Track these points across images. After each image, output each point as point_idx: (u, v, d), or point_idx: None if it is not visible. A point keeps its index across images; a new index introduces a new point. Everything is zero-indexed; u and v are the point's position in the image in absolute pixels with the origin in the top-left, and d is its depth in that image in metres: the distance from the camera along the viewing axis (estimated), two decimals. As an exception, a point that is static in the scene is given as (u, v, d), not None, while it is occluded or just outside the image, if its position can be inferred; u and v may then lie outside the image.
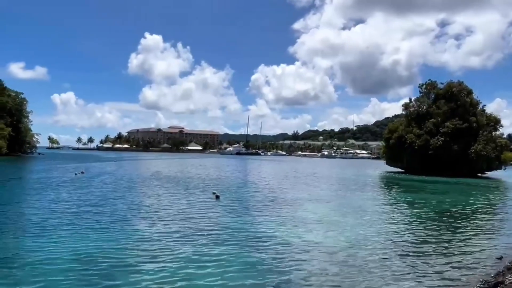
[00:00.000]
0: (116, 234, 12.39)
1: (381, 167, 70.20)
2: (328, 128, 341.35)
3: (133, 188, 26.84)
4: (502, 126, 60.40)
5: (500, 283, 7.75)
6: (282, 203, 21.38)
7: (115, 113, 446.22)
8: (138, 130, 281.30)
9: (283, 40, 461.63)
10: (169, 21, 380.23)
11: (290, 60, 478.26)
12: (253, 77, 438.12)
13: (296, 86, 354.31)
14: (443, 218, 18.06)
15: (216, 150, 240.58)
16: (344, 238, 12.99)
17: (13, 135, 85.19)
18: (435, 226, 15.88)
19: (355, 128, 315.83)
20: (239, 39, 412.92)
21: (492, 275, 9.24)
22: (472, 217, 18.81)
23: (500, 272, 9.36)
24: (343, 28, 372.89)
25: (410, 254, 11.27)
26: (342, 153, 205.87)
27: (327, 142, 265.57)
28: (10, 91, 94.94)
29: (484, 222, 17.95)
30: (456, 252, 11.63)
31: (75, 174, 38.52)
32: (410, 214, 19.38)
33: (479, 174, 56.13)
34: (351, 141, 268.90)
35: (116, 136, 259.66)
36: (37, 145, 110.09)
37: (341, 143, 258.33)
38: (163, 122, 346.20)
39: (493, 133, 58.25)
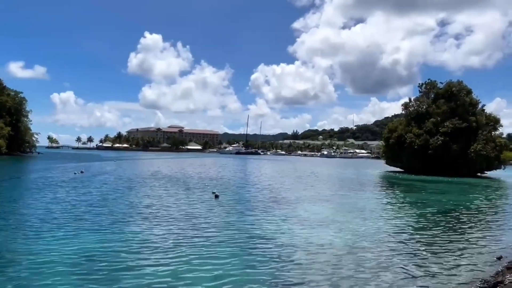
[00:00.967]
0: (115, 235, 12.38)
1: (381, 167, 70.21)
2: (327, 127, 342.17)
3: (133, 188, 26.82)
4: (501, 126, 60.41)
5: (500, 283, 7.75)
6: (282, 202, 21.37)
7: (115, 112, 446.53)
8: (137, 129, 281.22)
9: (283, 40, 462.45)
10: (169, 21, 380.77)
11: (290, 59, 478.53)
12: (252, 77, 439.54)
13: (296, 86, 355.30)
14: (443, 218, 18.07)
15: (215, 150, 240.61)
16: (344, 238, 12.99)
17: (12, 135, 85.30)
18: (435, 226, 15.89)
19: (354, 127, 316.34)
20: (239, 39, 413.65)
21: (491, 275, 9.25)
22: (472, 217, 18.81)
23: (500, 272, 9.36)
24: (343, 28, 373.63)
25: (410, 253, 11.28)
26: (341, 153, 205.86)
27: (326, 142, 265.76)
28: (9, 90, 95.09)
29: (484, 222, 17.96)
30: (456, 252, 11.63)
31: (75, 173, 38.50)
32: (409, 214, 19.38)
33: (479, 174, 56.15)
34: (351, 140, 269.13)
35: (116, 136, 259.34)
36: (37, 144, 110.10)
37: (341, 142, 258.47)
38: (162, 121, 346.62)
39: (493, 132, 58.25)
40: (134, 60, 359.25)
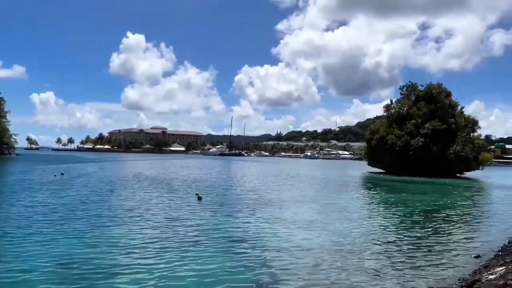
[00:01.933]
0: (95, 239, 12.16)
1: (363, 168, 71.00)
2: (311, 129, 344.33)
3: (114, 190, 26.45)
4: (479, 128, 62.10)
5: (477, 281, 7.93)
6: (266, 204, 21.41)
7: (96, 113, 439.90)
8: (119, 130, 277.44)
9: (267, 41, 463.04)
10: (152, 21, 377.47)
11: (274, 61, 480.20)
12: (236, 78, 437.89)
13: (279, 87, 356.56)
14: (423, 218, 18.40)
15: (199, 151, 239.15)
16: (328, 238, 13.10)
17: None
18: (415, 226, 16.16)
19: (337, 129, 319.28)
20: (223, 40, 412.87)
21: (469, 273, 9.45)
22: (451, 217, 19.19)
23: (477, 270, 9.57)
24: (327, 30, 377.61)
25: (390, 253, 11.44)
26: (324, 154, 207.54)
27: (310, 143, 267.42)
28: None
29: (462, 221, 18.34)
30: (435, 251, 11.85)
31: (55, 175, 37.73)
32: (390, 214, 19.65)
33: (458, 175, 57.33)
34: (334, 142, 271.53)
35: (97, 137, 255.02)
36: (15, 145, 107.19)
37: (324, 144, 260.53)
38: (145, 122, 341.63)
39: (471, 134, 59.67)
40: (116, 60, 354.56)
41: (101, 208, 18.07)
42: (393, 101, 66.03)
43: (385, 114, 66.60)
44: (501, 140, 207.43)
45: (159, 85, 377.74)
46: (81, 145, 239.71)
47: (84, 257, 9.99)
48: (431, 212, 20.53)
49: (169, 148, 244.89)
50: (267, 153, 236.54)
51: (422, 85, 64.07)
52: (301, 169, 74.12)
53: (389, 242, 13.00)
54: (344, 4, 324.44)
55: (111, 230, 13.35)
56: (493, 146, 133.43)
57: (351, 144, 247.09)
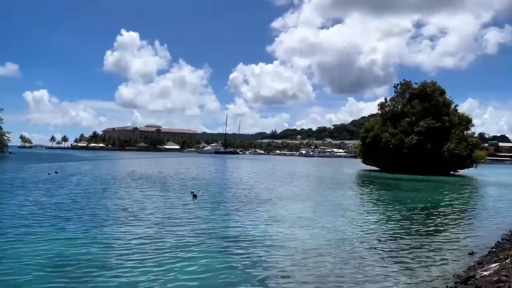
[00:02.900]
0: (89, 237, 12.10)
1: (358, 166, 71.25)
2: (306, 127, 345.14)
3: (109, 189, 26.32)
4: (473, 126, 62.50)
5: (472, 277, 7.98)
6: (261, 202, 21.41)
7: (90, 111, 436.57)
8: (114, 128, 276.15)
9: (262, 39, 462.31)
10: (146, 19, 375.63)
11: (269, 59, 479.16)
12: (231, 76, 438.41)
13: (274, 85, 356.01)
14: (417, 215, 18.49)
15: (194, 149, 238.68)
16: (321, 235, 13.12)
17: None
18: (409, 223, 16.24)
19: (332, 127, 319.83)
20: (218, 38, 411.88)
21: (464, 270, 9.51)
22: (445, 214, 19.31)
23: (472, 267, 9.64)
24: (321, 28, 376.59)
25: (384, 250, 11.49)
26: (319, 152, 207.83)
27: (305, 141, 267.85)
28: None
29: (456, 219, 18.46)
30: (429, 248, 11.91)
31: (48, 173, 37.49)
32: (384, 211, 19.73)
33: (452, 172, 57.69)
34: (329, 140, 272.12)
35: (91, 135, 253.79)
36: (9, 144, 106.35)
37: (319, 142, 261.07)
38: (139, 120, 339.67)
39: (465, 132, 60.01)
40: (110, 58, 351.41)
41: (95, 207, 17.97)
42: (388, 99, 66.32)
43: (379, 112, 66.80)
44: (495, 138, 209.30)
45: (153, 83, 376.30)
46: (75, 144, 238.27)
47: (78, 256, 9.94)
48: (425, 209, 20.63)
49: (163, 146, 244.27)
50: (262, 151, 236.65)
51: (417, 83, 64.48)
52: (296, 167, 74.23)
53: (383, 239, 13.05)
54: (339, 2, 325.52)
55: (105, 229, 13.28)
56: (486, 144, 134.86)
57: (346, 142, 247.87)
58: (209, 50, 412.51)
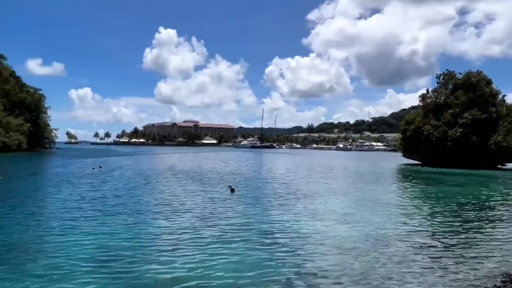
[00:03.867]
0: (131, 231, 12.46)
1: (398, 160, 69.40)
2: (343, 120, 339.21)
3: (149, 182, 27.12)
4: (523, 117, 58.81)
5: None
6: (298, 196, 21.31)
7: (131, 108, 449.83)
8: (153, 124, 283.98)
9: (297, 32, 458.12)
10: (183, 15, 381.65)
11: (305, 51, 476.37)
12: (267, 70, 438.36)
13: (311, 78, 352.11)
14: (462, 211, 17.74)
15: (230, 144, 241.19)
16: (361, 231, 12.88)
17: (32, 131, 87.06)
18: (454, 218, 15.61)
19: (371, 120, 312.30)
20: (253, 32, 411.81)
21: (513, 269, 9.05)
22: (493, 210, 18.42)
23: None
24: (359, 18, 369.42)
25: (429, 247, 11.10)
26: (357, 146, 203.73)
27: (342, 135, 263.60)
28: (28, 87, 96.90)
29: (506, 214, 17.54)
30: (475, 245, 11.41)
31: (93, 168, 39.14)
32: (428, 207, 19.08)
33: (499, 166, 54.95)
34: (367, 133, 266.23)
35: (132, 131, 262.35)
36: (56, 140, 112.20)
37: (357, 135, 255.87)
38: (178, 116, 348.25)
39: (514, 123, 56.77)
40: (149, 55, 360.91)
41: (137, 201, 18.55)
42: (430, 90, 63.83)
43: (421, 104, 64.54)
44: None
45: (191, 79, 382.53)
46: (117, 139, 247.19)
47: (119, 249, 10.29)
48: (471, 205, 19.76)
49: (201, 141, 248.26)
50: (298, 145, 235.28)
51: (461, 73, 61.50)
52: (334, 161, 73.30)
53: (426, 235, 12.61)
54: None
55: (146, 223, 13.67)
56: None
57: (385, 135, 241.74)
58: (245, 45, 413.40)
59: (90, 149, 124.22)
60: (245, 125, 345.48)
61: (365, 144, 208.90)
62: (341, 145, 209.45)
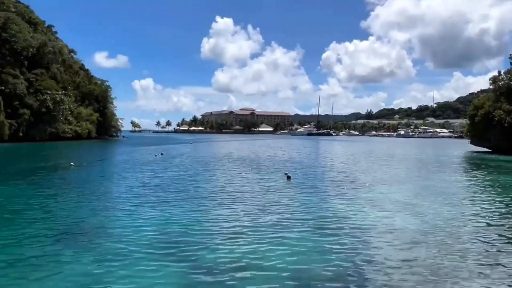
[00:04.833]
0: (189, 217, 12.73)
1: (465, 147, 65.28)
2: (404, 106, 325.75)
3: (208, 170, 27.81)
4: None
5: None
6: (356, 184, 20.75)
7: (190, 97, 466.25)
8: (211, 113, 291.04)
9: (355, 15, 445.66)
10: (239, 4, 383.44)
11: (363, 35, 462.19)
12: (324, 56, 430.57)
13: (370, 63, 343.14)
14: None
15: (287, 131, 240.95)
16: (423, 222, 12.24)
17: (100, 120, 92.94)
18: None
19: (435, 105, 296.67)
20: (309, 17, 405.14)
21: None
22: None
23: None
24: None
25: (496, 242, 10.27)
26: (420, 133, 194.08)
27: (403, 121, 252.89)
28: (96, 79, 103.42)
29: None
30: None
31: (155, 155, 40.94)
32: (496, 198, 17.67)
33: None
34: (431, 119, 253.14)
35: (191, 119, 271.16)
36: (121, 128, 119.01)
37: (419, 121, 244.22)
38: (235, 104, 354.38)
39: None
40: (206, 45, 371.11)
41: (195, 189, 19.03)
42: (502, 72, 58.90)
43: (491, 87, 59.87)
44: None
45: (247, 67, 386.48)
46: (177, 127, 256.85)
47: (177, 234, 10.63)
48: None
49: (257, 129, 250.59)
50: (356, 132, 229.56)
51: (538, 53, 56.20)
52: (394, 148, 70.53)
53: (494, 229, 11.66)
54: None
55: (204, 210, 13.98)
56: None
57: (451, 121, 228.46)
58: (300, 31, 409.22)
59: (153, 137, 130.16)
60: (301, 113, 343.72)
61: (428, 130, 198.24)
62: (402, 132, 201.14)
